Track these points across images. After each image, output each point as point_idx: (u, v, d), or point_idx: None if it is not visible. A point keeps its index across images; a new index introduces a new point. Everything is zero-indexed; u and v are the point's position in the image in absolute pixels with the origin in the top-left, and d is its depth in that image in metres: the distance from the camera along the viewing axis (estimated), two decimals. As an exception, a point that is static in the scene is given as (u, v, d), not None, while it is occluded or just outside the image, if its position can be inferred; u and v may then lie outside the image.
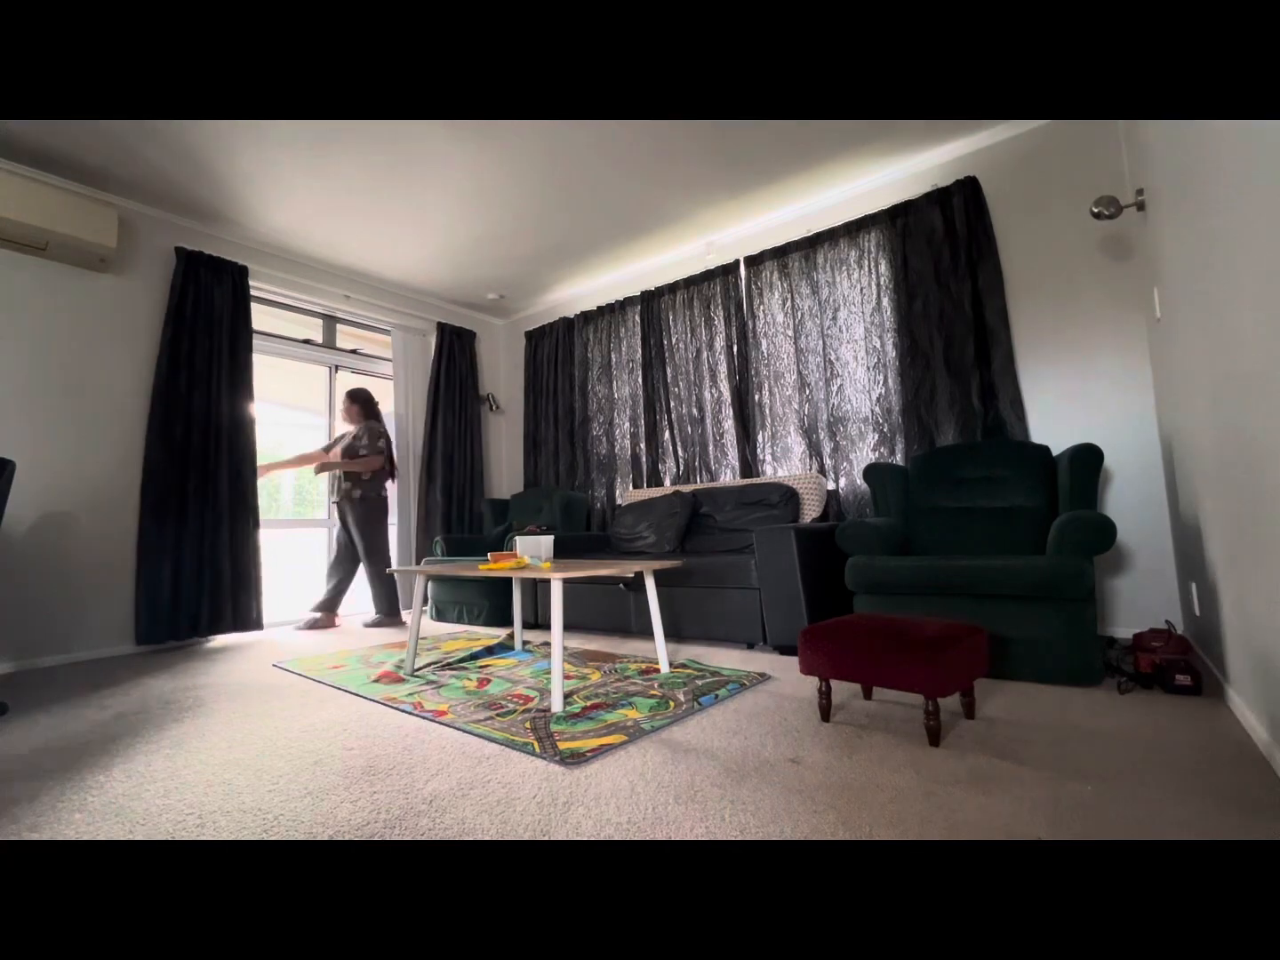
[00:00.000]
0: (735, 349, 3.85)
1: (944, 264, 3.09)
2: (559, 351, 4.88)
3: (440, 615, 4.04)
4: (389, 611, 3.98)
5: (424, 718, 1.90)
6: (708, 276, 4.03)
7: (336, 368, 4.59)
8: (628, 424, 4.46)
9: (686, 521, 3.56)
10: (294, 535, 4.44)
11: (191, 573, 3.39)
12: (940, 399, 3.07)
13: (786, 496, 3.28)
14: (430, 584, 4.09)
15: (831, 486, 3.42)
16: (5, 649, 2.87)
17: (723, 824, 1.16)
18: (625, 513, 3.84)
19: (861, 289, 3.40)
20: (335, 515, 4.11)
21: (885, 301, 3.31)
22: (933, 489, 2.74)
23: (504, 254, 4.22)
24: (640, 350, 4.39)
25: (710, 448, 3.98)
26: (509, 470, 5.42)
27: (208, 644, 3.47)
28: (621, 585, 3.18)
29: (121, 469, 3.30)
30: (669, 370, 4.22)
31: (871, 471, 2.85)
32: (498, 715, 1.88)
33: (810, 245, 3.58)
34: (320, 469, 3.92)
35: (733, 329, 3.87)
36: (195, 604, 3.41)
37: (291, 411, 4.70)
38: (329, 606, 3.97)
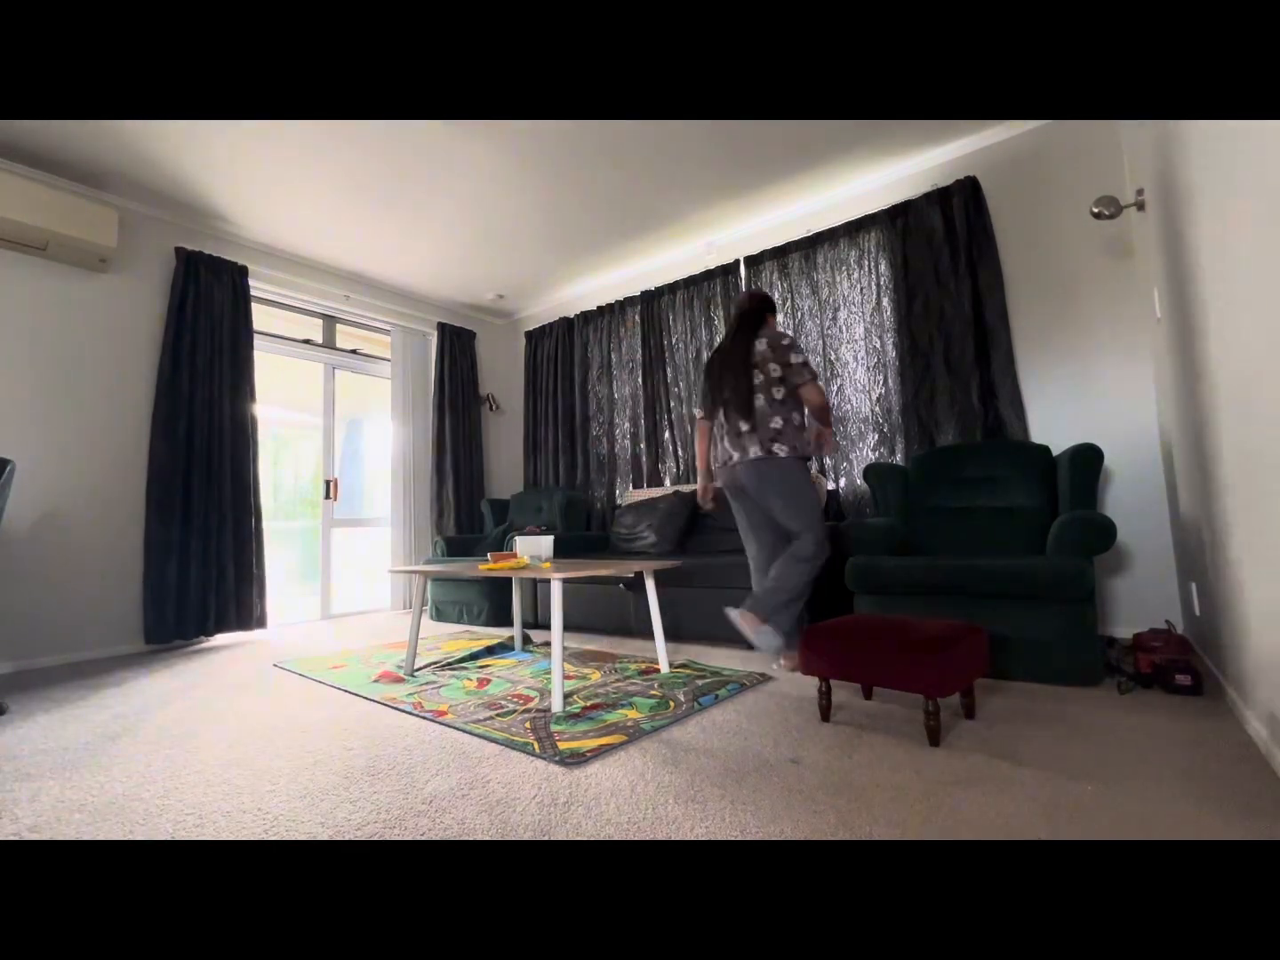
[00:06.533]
0: (735, 349, 3.85)
1: (944, 264, 3.09)
2: (559, 351, 4.88)
3: (440, 615, 4.04)
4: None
5: (424, 718, 1.90)
6: (708, 276, 4.02)
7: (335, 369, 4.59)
8: (628, 424, 4.46)
9: (686, 521, 3.56)
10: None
11: (198, 571, 3.41)
12: (940, 399, 3.06)
13: (786, 496, 3.27)
14: (430, 584, 4.09)
15: (831, 486, 3.42)
16: (5, 650, 2.88)
17: (723, 824, 1.16)
18: (625, 513, 3.83)
19: (861, 289, 3.40)
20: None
21: (885, 301, 3.31)
22: (933, 489, 2.74)
23: (504, 254, 4.22)
24: (640, 350, 4.39)
25: (710, 448, 3.98)
26: (509, 470, 5.42)
27: (210, 643, 3.47)
28: (621, 585, 3.18)
29: (124, 468, 3.31)
30: (669, 370, 4.22)
31: (871, 471, 2.85)
32: (498, 715, 1.88)
33: (810, 245, 3.58)
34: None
35: (733, 329, 3.87)
36: (201, 602, 3.42)
37: (291, 411, 4.69)
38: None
